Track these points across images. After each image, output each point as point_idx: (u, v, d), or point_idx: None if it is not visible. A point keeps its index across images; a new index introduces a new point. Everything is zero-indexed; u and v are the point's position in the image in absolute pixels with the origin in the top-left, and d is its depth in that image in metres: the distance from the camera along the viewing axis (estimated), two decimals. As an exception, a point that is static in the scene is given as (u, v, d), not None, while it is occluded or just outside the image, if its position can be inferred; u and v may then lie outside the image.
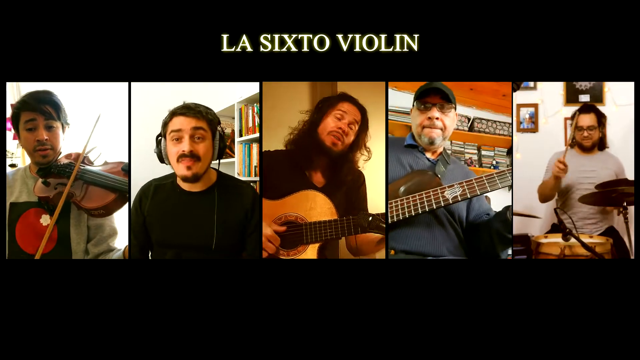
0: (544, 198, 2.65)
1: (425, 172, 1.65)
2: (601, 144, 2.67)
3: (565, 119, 3.03)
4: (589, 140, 2.62)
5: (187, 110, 1.56)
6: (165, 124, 1.59)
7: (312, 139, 1.74)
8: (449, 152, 1.84)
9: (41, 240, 1.62)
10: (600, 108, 2.82)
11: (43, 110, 1.65)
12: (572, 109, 2.78)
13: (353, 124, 1.74)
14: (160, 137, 1.62)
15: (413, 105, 1.78)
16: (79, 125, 1.90)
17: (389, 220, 1.64)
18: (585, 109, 2.65)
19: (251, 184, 2.60)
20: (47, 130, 1.67)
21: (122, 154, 1.84)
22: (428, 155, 1.77)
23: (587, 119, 2.62)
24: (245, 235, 1.65)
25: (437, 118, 1.68)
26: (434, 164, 1.74)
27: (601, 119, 2.64)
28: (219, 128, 1.63)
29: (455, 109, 1.75)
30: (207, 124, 1.58)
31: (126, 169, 1.71)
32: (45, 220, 1.67)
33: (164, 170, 1.72)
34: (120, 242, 1.76)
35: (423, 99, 1.72)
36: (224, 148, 1.65)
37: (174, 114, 1.57)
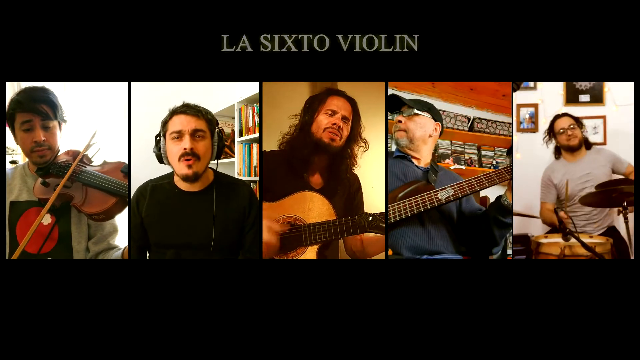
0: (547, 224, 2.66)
1: (420, 181, 1.78)
2: (587, 144, 2.67)
3: (545, 131, 3.01)
4: (575, 137, 2.61)
5: (187, 108, 1.59)
6: (165, 123, 1.61)
7: (307, 140, 1.72)
8: (449, 152, 1.87)
9: (42, 240, 1.62)
10: (600, 108, 2.82)
11: (39, 110, 1.62)
12: (573, 109, 2.78)
13: (346, 118, 1.73)
14: (159, 138, 1.62)
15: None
16: (79, 124, 1.90)
17: (391, 220, 1.68)
18: (559, 115, 2.67)
19: (251, 184, 2.61)
20: (44, 130, 1.64)
21: (122, 154, 1.84)
22: (416, 162, 1.85)
23: (565, 121, 2.62)
24: (243, 233, 1.65)
25: (399, 121, 1.83)
26: (425, 172, 1.82)
27: (579, 120, 2.64)
28: (217, 129, 1.65)
29: (437, 119, 1.85)
30: (206, 124, 1.60)
31: (125, 171, 1.70)
32: (46, 219, 1.66)
33: (163, 171, 1.72)
34: (121, 240, 1.76)
35: (399, 109, 1.86)
36: (222, 148, 1.67)
37: (174, 112, 1.59)
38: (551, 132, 2.68)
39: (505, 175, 1.64)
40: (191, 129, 1.56)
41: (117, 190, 1.62)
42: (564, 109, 3.05)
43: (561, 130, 2.62)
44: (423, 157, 1.85)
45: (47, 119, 1.64)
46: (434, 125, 1.84)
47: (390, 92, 1.87)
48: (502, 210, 1.67)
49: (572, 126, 2.60)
